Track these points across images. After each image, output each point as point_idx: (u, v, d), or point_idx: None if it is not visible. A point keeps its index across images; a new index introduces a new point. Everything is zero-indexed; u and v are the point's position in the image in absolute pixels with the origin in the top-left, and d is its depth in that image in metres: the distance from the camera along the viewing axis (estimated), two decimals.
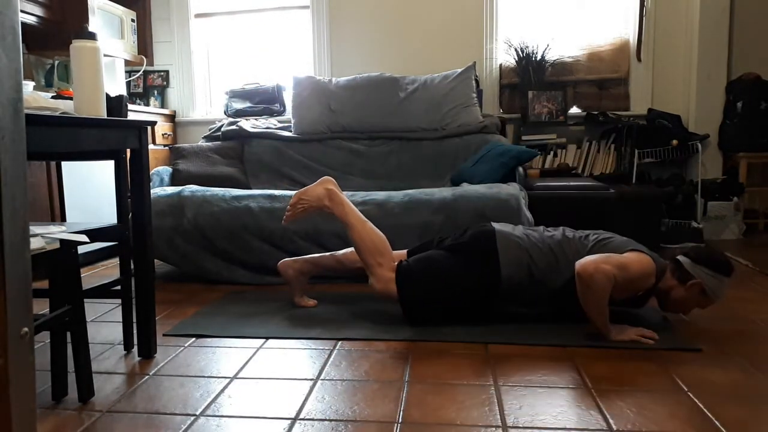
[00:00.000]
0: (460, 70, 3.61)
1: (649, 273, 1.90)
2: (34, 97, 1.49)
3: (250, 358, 1.80)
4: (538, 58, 3.91)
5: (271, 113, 4.11)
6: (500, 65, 4.07)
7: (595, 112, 3.87)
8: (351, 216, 2.14)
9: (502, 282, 2.01)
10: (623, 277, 1.83)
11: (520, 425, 1.35)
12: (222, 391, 1.57)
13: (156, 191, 2.88)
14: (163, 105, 4.42)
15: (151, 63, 4.28)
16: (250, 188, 3.39)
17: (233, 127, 3.69)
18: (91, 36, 1.62)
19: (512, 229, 2.11)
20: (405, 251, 2.29)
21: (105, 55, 3.63)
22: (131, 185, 1.77)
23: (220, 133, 3.70)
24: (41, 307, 2.26)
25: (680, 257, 2.01)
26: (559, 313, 2.08)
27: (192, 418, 1.41)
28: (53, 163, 2.95)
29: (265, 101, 4.13)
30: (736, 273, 2.01)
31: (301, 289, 2.34)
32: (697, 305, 2.00)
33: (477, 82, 3.69)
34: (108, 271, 3.04)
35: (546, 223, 2.82)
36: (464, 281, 2.03)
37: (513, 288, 2.02)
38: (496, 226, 2.12)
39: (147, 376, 1.67)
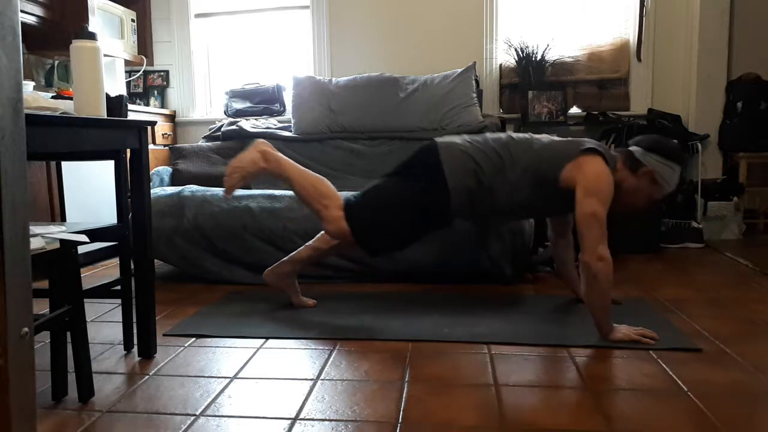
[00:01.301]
0: (460, 70, 3.60)
1: (611, 179, 1.91)
2: (34, 97, 1.49)
3: (250, 358, 1.80)
4: (538, 58, 3.90)
5: (271, 113, 4.11)
6: (500, 65, 4.07)
7: (595, 112, 3.86)
8: (288, 170, 2.09)
9: (450, 193, 2.00)
10: (607, 204, 1.85)
11: (521, 425, 1.34)
12: (222, 391, 1.57)
13: (156, 191, 2.88)
14: (163, 105, 4.42)
15: (151, 63, 4.28)
16: (250, 188, 3.39)
17: (233, 127, 3.68)
18: (91, 36, 1.62)
19: (455, 139, 2.10)
20: None
21: (105, 55, 3.63)
22: (131, 185, 1.77)
23: (220, 133, 3.70)
24: (41, 307, 2.26)
25: (632, 147, 2.03)
26: (517, 218, 2.10)
27: (192, 418, 1.41)
28: (53, 163, 2.95)
29: (265, 101, 4.13)
30: (685, 162, 2.02)
31: (295, 290, 2.33)
32: (648, 196, 2.01)
33: (477, 82, 3.69)
34: (108, 271, 3.04)
35: (547, 225, 2.81)
36: (413, 200, 2.02)
37: (463, 198, 2.01)
38: (438, 139, 2.12)
39: (147, 376, 1.67)
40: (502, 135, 2.09)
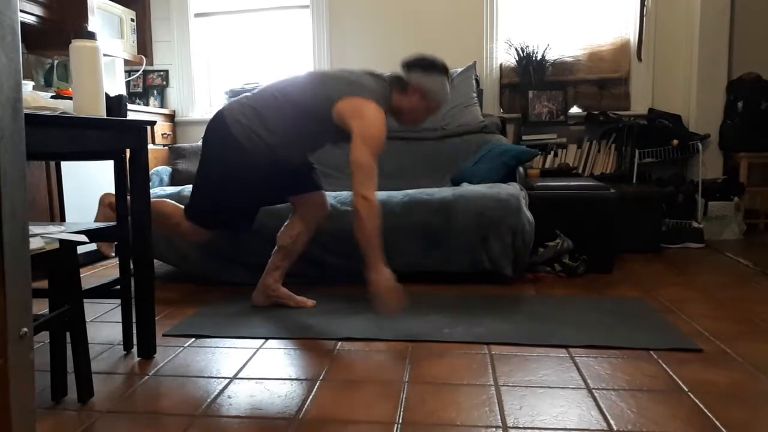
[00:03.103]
0: (460, 70, 3.60)
1: (383, 117, 2.01)
2: (34, 97, 1.49)
3: (250, 358, 1.80)
4: (539, 57, 3.90)
5: None
6: (500, 65, 4.06)
7: (596, 112, 3.86)
8: None
9: (243, 145, 2.06)
10: (377, 151, 1.97)
11: (520, 425, 1.34)
12: (222, 391, 1.57)
13: (156, 191, 2.88)
14: (162, 105, 4.41)
15: (150, 63, 4.28)
16: None
17: None
18: (91, 36, 1.62)
19: (239, 97, 2.18)
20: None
21: (105, 55, 3.63)
22: (131, 185, 1.77)
23: None
24: (41, 307, 2.26)
25: (399, 71, 2.13)
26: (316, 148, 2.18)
27: (192, 418, 1.41)
28: (53, 163, 2.95)
29: None
30: (450, 72, 2.14)
31: (287, 296, 2.33)
32: (425, 111, 2.13)
33: (477, 81, 3.69)
34: (108, 271, 3.04)
35: (547, 225, 2.82)
36: (226, 169, 2.11)
37: (258, 146, 2.07)
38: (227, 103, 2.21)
39: (147, 377, 1.67)
40: (279, 81, 2.19)
